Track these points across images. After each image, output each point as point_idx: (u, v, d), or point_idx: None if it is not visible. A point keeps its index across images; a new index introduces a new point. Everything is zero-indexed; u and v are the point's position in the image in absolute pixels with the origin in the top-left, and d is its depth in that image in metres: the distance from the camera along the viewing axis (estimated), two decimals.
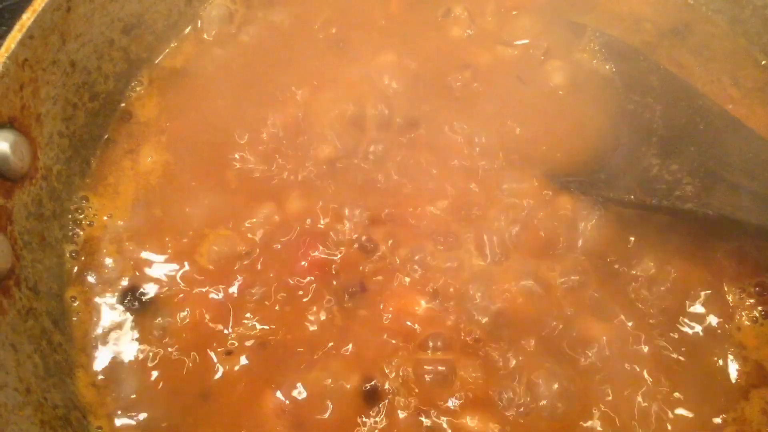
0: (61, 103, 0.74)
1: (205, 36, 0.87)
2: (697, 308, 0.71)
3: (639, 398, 0.66)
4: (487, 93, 0.80)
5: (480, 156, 0.76)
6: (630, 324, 0.69)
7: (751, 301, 0.71)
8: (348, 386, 0.65)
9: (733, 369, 0.69)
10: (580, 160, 0.76)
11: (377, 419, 0.64)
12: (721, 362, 0.69)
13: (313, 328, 0.69)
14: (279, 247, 0.72)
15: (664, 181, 0.72)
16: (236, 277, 0.71)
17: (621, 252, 0.73)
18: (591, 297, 0.70)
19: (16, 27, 0.68)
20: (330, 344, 0.68)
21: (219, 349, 0.68)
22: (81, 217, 0.75)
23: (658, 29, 0.87)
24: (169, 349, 0.69)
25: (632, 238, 0.73)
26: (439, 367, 0.66)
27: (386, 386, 0.66)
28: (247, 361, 0.68)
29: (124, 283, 0.72)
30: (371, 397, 0.65)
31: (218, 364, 0.68)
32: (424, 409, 0.65)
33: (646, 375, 0.67)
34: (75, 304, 0.72)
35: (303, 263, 0.70)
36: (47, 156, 0.73)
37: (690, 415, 0.66)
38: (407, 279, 0.70)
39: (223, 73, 0.83)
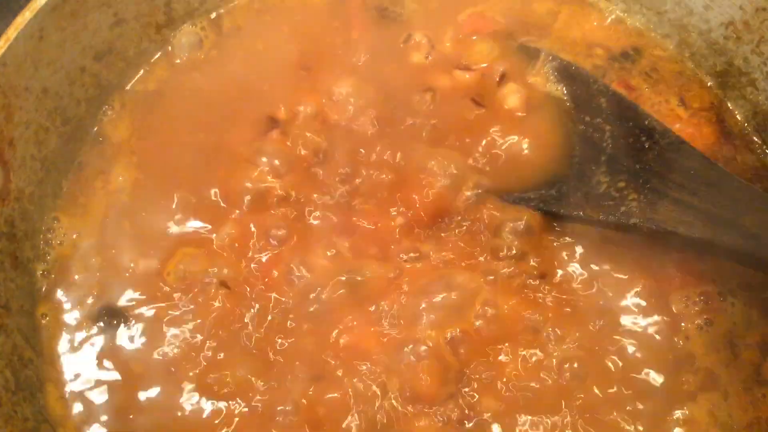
0: (34, 128, 0.76)
1: (176, 61, 0.89)
2: (644, 316, 0.74)
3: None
4: (445, 116, 0.83)
5: (438, 177, 0.79)
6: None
7: (696, 309, 0.75)
8: None
9: (683, 374, 0.73)
10: (534, 178, 0.80)
11: None
12: (669, 369, 0.73)
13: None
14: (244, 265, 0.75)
15: (612, 197, 0.75)
16: (202, 296, 0.73)
17: None
18: None
19: None
20: None
21: (186, 368, 0.71)
22: (51, 236, 0.77)
23: (609, 54, 0.91)
24: (136, 366, 0.71)
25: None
26: None
27: None
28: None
29: (93, 300, 0.74)
30: None
31: (184, 384, 0.70)
32: None
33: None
34: (45, 321, 0.74)
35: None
36: (20, 178, 0.75)
37: (640, 417, 0.70)
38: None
39: (193, 97, 0.86)
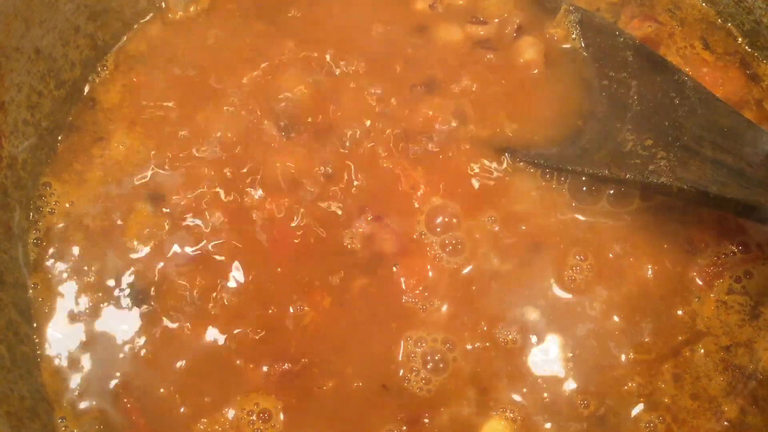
0: (26, 91, 0.73)
1: (170, 17, 0.85)
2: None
3: None
4: (459, 71, 0.79)
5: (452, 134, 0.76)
6: None
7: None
8: None
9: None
10: (553, 135, 0.76)
11: None
12: None
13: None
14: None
15: (639, 155, 0.71)
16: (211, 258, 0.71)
17: None
18: None
19: None
20: None
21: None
22: (42, 203, 0.74)
23: None
24: (133, 334, 0.68)
25: None
26: None
27: None
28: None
29: (87, 269, 0.71)
30: None
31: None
32: None
33: None
34: (38, 292, 0.70)
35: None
36: (12, 144, 0.71)
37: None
38: None
39: (187, 56, 0.82)
